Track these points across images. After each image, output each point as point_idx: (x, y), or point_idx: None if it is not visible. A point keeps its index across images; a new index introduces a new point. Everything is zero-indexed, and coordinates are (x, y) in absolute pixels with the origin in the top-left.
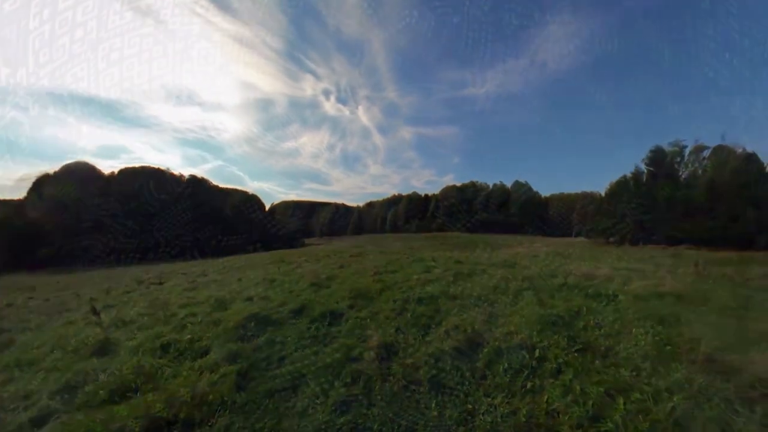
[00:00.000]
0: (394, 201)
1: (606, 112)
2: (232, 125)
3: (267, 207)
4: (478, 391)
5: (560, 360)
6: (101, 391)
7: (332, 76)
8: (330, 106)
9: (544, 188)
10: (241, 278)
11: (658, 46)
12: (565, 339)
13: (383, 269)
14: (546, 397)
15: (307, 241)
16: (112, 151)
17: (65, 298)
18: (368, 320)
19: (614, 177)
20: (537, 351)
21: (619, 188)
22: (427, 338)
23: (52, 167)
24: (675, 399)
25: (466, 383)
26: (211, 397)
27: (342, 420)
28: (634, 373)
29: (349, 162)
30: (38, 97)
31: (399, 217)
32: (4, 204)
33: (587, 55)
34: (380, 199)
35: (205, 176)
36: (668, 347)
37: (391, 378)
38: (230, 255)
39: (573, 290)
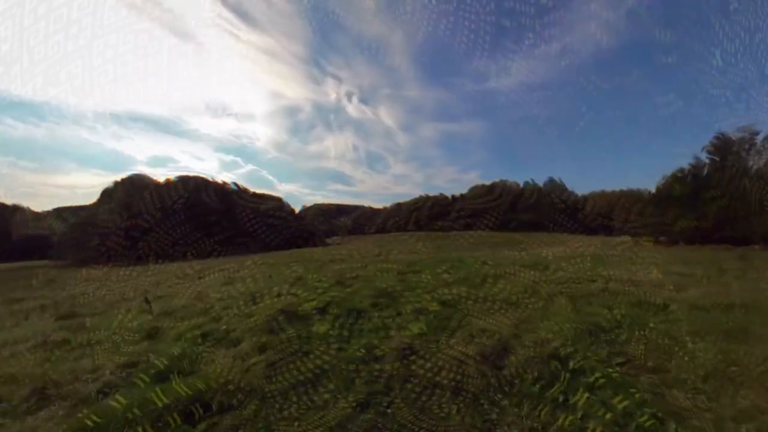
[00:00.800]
0: (420, 202)
1: (650, 100)
2: (262, 132)
3: (295, 209)
4: (504, 400)
5: (598, 374)
6: (151, 371)
7: (354, 78)
8: (353, 108)
9: (581, 186)
10: (271, 275)
11: (713, 22)
12: (605, 351)
13: (407, 269)
14: (581, 413)
15: (331, 240)
16: (161, 160)
17: (124, 289)
18: (391, 320)
19: (662, 172)
20: (571, 362)
21: (675, 182)
22: (451, 341)
23: (115, 176)
24: (743, 431)
25: (491, 391)
26: (242, 384)
27: (362, 417)
28: (690, 396)
29: (373, 162)
30: (103, 118)
31: (423, 217)
32: (83, 208)
33: (626, 36)
34: (405, 200)
35: (239, 180)
36: (734, 368)
37: (412, 379)
38: (261, 253)
39: (615, 297)
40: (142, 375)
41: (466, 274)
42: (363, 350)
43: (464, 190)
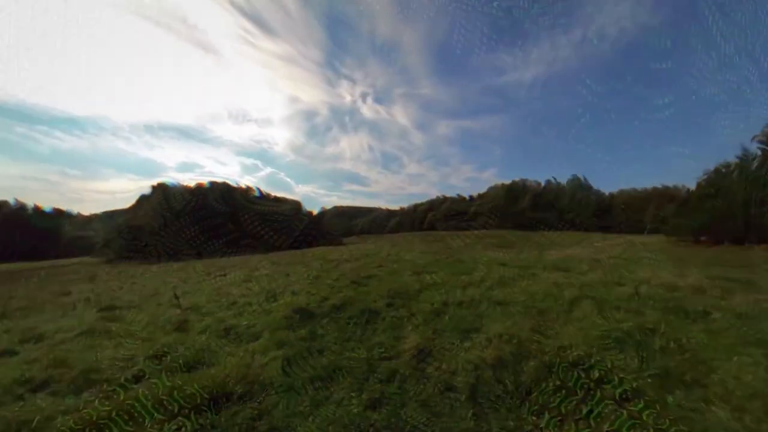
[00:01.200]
0: (436, 203)
1: (685, 90)
2: (281, 136)
3: (311, 210)
4: (522, 408)
5: (627, 385)
6: (180, 361)
7: (368, 78)
8: (367, 109)
9: (607, 184)
10: (289, 273)
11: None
12: (636, 361)
13: (422, 269)
14: (606, 426)
15: (346, 240)
16: (188, 166)
17: (156, 284)
18: (405, 320)
19: (700, 169)
20: (597, 371)
21: (719, 176)
22: (466, 344)
23: (149, 181)
24: None
25: (509, 397)
26: (261, 377)
27: (375, 416)
28: (736, 416)
29: (387, 162)
30: (137, 129)
31: (439, 218)
32: (125, 211)
33: (657, 16)
34: (420, 201)
35: (259, 182)
36: None
37: (425, 381)
38: (280, 251)
39: (647, 303)
40: (171, 364)
41: (482, 275)
42: (376, 350)
43: (482, 189)
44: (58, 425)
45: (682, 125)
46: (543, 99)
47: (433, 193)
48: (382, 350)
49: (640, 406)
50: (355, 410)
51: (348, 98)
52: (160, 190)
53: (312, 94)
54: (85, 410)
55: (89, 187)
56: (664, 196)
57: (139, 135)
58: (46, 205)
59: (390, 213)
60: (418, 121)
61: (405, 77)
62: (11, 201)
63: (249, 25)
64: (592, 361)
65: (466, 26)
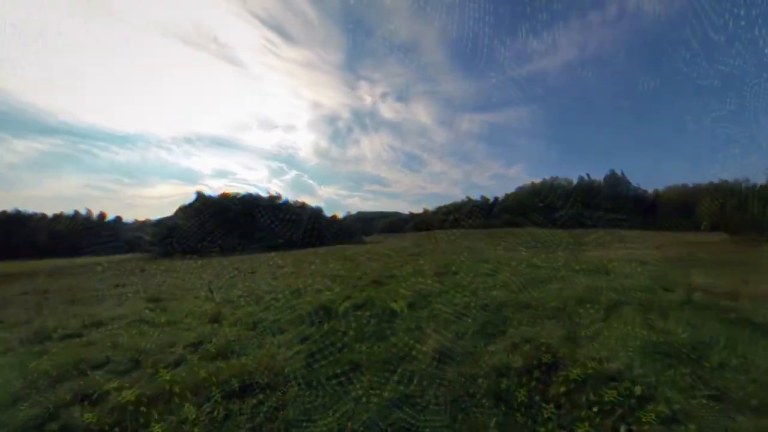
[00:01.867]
0: (459, 206)
1: (739, 73)
2: (305, 141)
3: (338, 214)
4: (551, 421)
5: (677, 405)
6: (213, 350)
7: (387, 78)
8: (387, 108)
9: (649, 181)
10: (313, 272)
11: None
12: (687, 378)
13: (443, 270)
14: None
15: (367, 239)
16: (221, 173)
17: (193, 279)
18: (426, 321)
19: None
20: (639, 387)
21: None
22: (490, 348)
23: (189, 187)
24: None
25: (535, 407)
26: (284, 369)
27: (394, 415)
28: None
29: (409, 161)
30: (177, 141)
31: (462, 217)
32: (169, 218)
33: None
34: (443, 204)
35: (285, 185)
36: None
37: (447, 384)
38: (303, 248)
39: (702, 312)
40: (206, 352)
41: (508, 277)
42: (397, 349)
43: (509, 188)
44: (113, 399)
45: (742, 112)
46: (574, 87)
47: (456, 193)
48: (403, 350)
49: (693, 427)
50: (375, 408)
51: (368, 99)
52: (199, 199)
53: (333, 97)
54: (134, 388)
55: (140, 193)
56: (719, 191)
57: (179, 146)
58: (109, 211)
59: (412, 217)
60: (440, 117)
61: (425, 74)
62: (82, 210)
63: (272, 35)
64: (634, 375)
65: (486, 15)
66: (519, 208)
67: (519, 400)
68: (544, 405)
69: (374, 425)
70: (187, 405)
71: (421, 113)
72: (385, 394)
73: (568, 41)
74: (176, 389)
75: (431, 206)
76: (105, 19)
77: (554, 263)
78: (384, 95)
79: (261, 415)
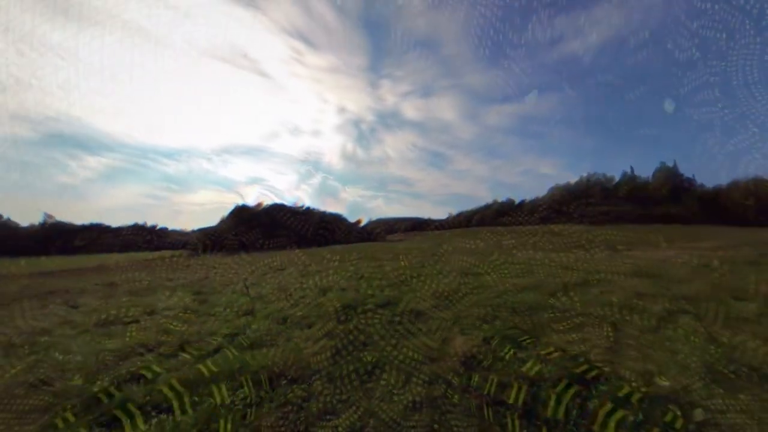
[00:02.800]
0: (484, 210)
1: None
2: (330, 145)
3: (362, 218)
4: None
5: None
6: (247, 341)
7: (409, 76)
8: (410, 107)
9: (707, 175)
10: (337, 271)
11: None
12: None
13: (469, 270)
14: None
15: (391, 237)
16: (254, 179)
17: (230, 275)
18: (451, 323)
19: None
20: (699, 410)
21: None
22: (521, 355)
23: (227, 193)
24: None
25: (571, 424)
26: (311, 363)
27: (417, 417)
28: None
29: (432, 160)
30: (216, 151)
31: (487, 216)
32: (212, 227)
33: None
34: (468, 207)
35: (311, 188)
36: None
37: (472, 390)
38: (326, 246)
39: None
40: (241, 342)
41: (541, 279)
42: (421, 350)
43: (540, 184)
44: (162, 379)
45: None
46: (613, 68)
47: (482, 191)
48: (426, 352)
49: None
50: (397, 408)
51: (391, 99)
52: (237, 209)
53: (357, 100)
54: (180, 371)
55: (185, 200)
56: None
57: (218, 156)
58: (160, 216)
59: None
60: (465, 112)
61: (447, 68)
62: (140, 220)
63: (297, 44)
64: (693, 396)
65: None
66: (553, 204)
67: (552, 414)
68: (581, 422)
69: (396, 425)
70: (223, 389)
71: (445, 109)
72: (408, 394)
73: (604, 15)
74: (214, 375)
75: (455, 207)
76: (151, 47)
77: (593, 265)
78: (407, 94)
79: (288, 405)
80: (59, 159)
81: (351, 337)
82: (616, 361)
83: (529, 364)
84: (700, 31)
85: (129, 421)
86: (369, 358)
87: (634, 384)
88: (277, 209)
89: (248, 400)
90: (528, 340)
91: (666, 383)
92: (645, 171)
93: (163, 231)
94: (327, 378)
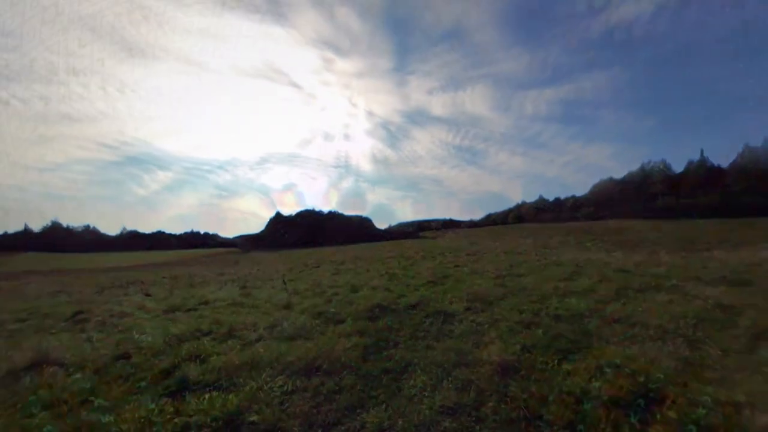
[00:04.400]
0: (520, 205)
1: None
2: (360, 147)
3: (387, 212)
4: None
5: None
6: (285, 333)
7: (436, 70)
8: (438, 103)
9: None
10: (369, 269)
11: None
12: None
13: (506, 272)
14: None
15: (424, 234)
16: (288, 185)
17: (271, 271)
18: (486, 327)
19: None
20: None
21: None
22: (566, 367)
23: (265, 198)
24: None
25: None
26: (342, 358)
27: (447, 423)
28: None
29: (462, 155)
30: (255, 161)
31: (526, 211)
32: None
33: None
34: (503, 206)
35: (342, 191)
36: None
37: (509, 401)
38: (357, 244)
39: None
40: (280, 334)
41: (590, 283)
42: (452, 354)
43: (586, 176)
44: (214, 361)
45: None
46: (674, 34)
47: (518, 186)
48: (458, 355)
49: None
50: (427, 411)
51: (419, 97)
52: (276, 216)
53: (385, 101)
54: (228, 355)
55: (231, 206)
56: None
57: (258, 164)
58: (212, 222)
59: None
60: (496, 102)
61: (476, 57)
62: (195, 229)
63: (326, 54)
64: None
65: None
66: (601, 198)
67: None
68: None
69: (425, 429)
70: (263, 375)
71: (475, 101)
72: (438, 397)
73: None
74: (256, 362)
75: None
76: (198, 73)
77: (657, 267)
78: (434, 90)
79: (321, 395)
80: (134, 176)
81: (382, 336)
82: (690, 384)
83: (576, 378)
84: None
85: (187, 394)
86: (399, 358)
87: (717, 412)
88: (311, 211)
89: (285, 388)
90: (575, 351)
91: (765, 417)
92: (717, 157)
93: (213, 236)
94: (357, 374)
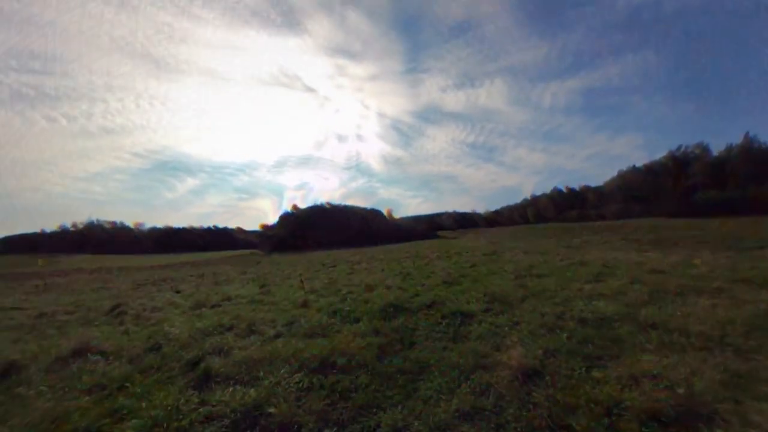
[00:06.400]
0: (539, 201)
1: None
2: (372, 149)
3: (400, 211)
4: None
5: None
6: (302, 330)
7: (449, 67)
8: (451, 100)
9: None
10: (384, 269)
11: None
12: None
13: (526, 272)
14: None
15: (441, 233)
16: (302, 185)
17: (289, 271)
18: (507, 329)
19: None
20: None
21: None
22: (595, 374)
23: (281, 198)
24: None
25: None
26: (358, 357)
27: (465, 427)
28: None
29: (477, 152)
30: (272, 163)
31: (546, 208)
32: (271, 227)
33: None
34: (521, 202)
35: (354, 191)
36: None
37: (531, 407)
38: (373, 244)
39: None
40: (297, 331)
41: (620, 284)
42: (471, 356)
43: (612, 169)
44: (235, 354)
45: None
46: (711, 11)
47: (536, 182)
48: (477, 358)
49: None
50: (443, 414)
51: (430, 95)
52: (288, 214)
53: (397, 102)
54: (248, 350)
55: (249, 205)
56: None
57: (274, 166)
58: (231, 220)
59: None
60: (513, 96)
61: (489, 50)
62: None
63: (339, 59)
64: None
65: None
66: (629, 191)
67: None
68: None
69: (442, 431)
70: (281, 371)
71: (490, 96)
72: (456, 400)
73: None
74: (274, 358)
75: (505, 200)
76: (221, 84)
77: (697, 268)
78: (446, 87)
79: (336, 393)
80: (164, 180)
81: (397, 336)
82: (742, 400)
83: (606, 387)
84: None
85: (211, 385)
86: (415, 358)
87: None
88: (324, 211)
89: (301, 384)
90: (605, 358)
91: None
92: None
93: (231, 232)
94: (372, 373)
